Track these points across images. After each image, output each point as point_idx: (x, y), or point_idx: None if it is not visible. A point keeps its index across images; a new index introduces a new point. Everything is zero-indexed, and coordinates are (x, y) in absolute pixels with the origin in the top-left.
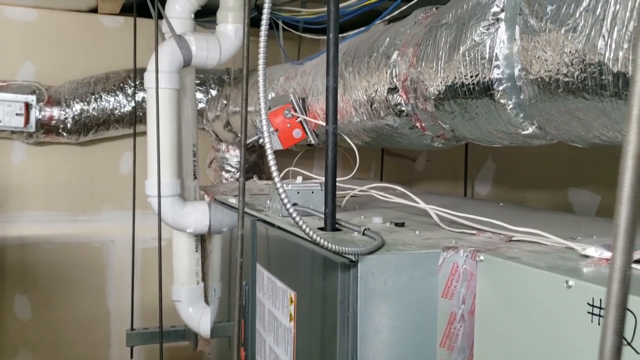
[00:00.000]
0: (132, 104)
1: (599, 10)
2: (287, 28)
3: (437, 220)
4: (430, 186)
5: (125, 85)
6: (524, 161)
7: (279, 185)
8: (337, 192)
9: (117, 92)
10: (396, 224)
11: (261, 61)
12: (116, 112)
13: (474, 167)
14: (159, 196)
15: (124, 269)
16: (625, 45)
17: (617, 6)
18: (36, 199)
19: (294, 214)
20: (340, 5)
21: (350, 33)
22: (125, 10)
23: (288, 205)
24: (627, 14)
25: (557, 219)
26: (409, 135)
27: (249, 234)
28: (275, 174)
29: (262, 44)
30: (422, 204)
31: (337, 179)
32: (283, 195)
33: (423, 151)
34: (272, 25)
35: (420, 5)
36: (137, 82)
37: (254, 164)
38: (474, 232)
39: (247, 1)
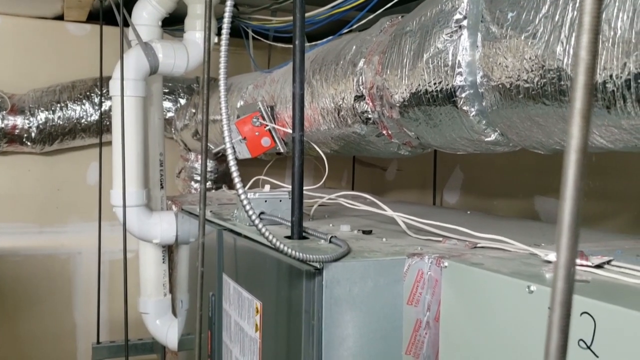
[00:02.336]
0: (99, 112)
1: (557, 16)
2: (257, 37)
3: (404, 228)
4: (401, 195)
5: (92, 94)
6: (492, 170)
7: (241, 192)
8: (307, 201)
9: (84, 101)
10: (364, 232)
11: (222, 69)
12: (82, 121)
13: (443, 176)
14: (124, 206)
15: (91, 281)
16: None
17: (575, 12)
18: (0, 210)
19: (257, 222)
20: (309, 14)
21: (319, 42)
22: (92, 18)
23: (250, 212)
24: None
25: (522, 226)
26: (376, 143)
27: (215, 243)
28: (237, 180)
29: (223, 52)
30: (389, 212)
31: (307, 188)
32: (245, 202)
33: (394, 160)
34: (243, 34)
35: (386, 15)
36: (104, 91)
37: (224, 173)
38: (440, 239)
39: (208, 7)
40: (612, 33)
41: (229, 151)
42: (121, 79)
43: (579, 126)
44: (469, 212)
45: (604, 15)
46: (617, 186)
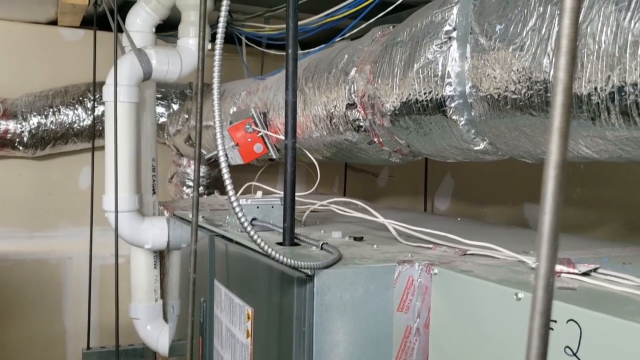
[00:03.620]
0: (92, 117)
1: (544, 30)
2: (250, 44)
3: (395, 235)
4: (392, 201)
5: (85, 99)
6: (482, 177)
7: (233, 199)
8: (299, 207)
9: (76, 106)
10: (355, 239)
11: (216, 76)
12: (75, 126)
13: (434, 183)
14: (116, 211)
15: (81, 287)
16: None
17: None
18: None
19: (248, 228)
20: (302, 22)
21: (312, 50)
22: (85, 23)
23: (242, 219)
24: None
25: (512, 234)
26: (368, 150)
27: (207, 249)
28: (229, 187)
29: (216, 59)
30: (380, 219)
31: (298, 194)
32: (238, 209)
33: (385, 167)
34: (236, 41)
35: (378, 24)
36: (97, 96)
37: (216, 179)
38: (431, 246)
39: (202, 15)
40: (596, 47)
41: (222, 158)
42: (114, 84)
43: (557, 144)
44: (459, 219)
45: (588, 29)
46: (605, 194)
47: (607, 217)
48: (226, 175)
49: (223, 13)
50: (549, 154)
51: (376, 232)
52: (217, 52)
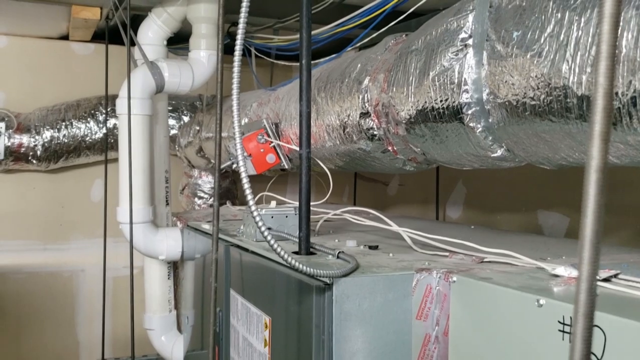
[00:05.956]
0: (104, 130)
1: (562, 36)
2: (259, 55)
3: (410, 243)
4: (403, 210)
5: (97, 112)
6: (494, 184)
7: (253, 209)
8: (312, 216)
9: (88, 119)
10: (370, 247)
11: (235, 87)
12: (87, 139)
13: (445, 190)
14: (131, 223)
15: (94, 299)
16: (588, 69)
17: (580, 32)
18: (4, 228)
19: (269, 237)
20: (313, 32)
21: (323, 60)
22: (96, 37)
23: (263, 229)
24: (589, 39)
25: (527, 241)
26: (382, 159)
27: (223, 259)
28: (249, 197)
29: (235, 70)
30: (395, 227)
31: (312, 204)
32: (258, 219)
33: (395, 175)
34: (245, 52)
35: (389, 33)
36: (109, 109)
37: (227, 189)
38: (447, 254)
39: (220, 28)
40: (617, 51)
41: (242, 168)
42: (128, 98)
43: (599, 147)
44: (472, 227)
45: None
46: (620, 200)
47: (623, 222)
48: (247, 186)
49: (241, 29)
50: (590, 158)
51: (390, 240)
52: (236, 62)
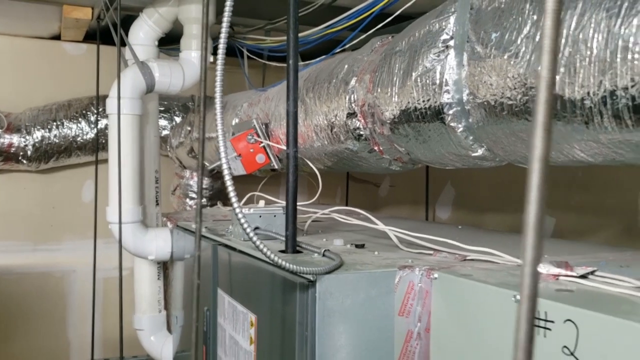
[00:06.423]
0: (95, 131)
1: (537, 37)
2: (252, 56)
3: (396, 242)
4: (394, 211)
5: (88, 112)
6: (483, 185)
7: (236, 206)
8: (301, 217)
9: (80, 119)
10: (356, 246)
11: (218, 88)
12: (78, 139)
13: (435, 192)
14: (120, 223)
15: (85, 299)
16: (562, 70)
17: None
18: None
19: (251, 234)
20: (302, 34)
21: (313, 61)
22: (88, 38)
23: (245, 226)
24: (562, 40)
25: (512, 240)
26: (368, 159)
27: (210, 259)
28: (232, 194)
29: (219, 70)
30: (381, 226)
31: (300, 203)
32: (240, 216)
33: (386, 177)
34: (237, 54)
35: (378, 35)
36: (100, 109)
37: (219, 190)
38: (431, 252)
39: (204, 28)
40: (588, 52)
41: (225, 167)
42: (118, 97)
43: (541, 137)
44: (460, 227)
45: (581, 36)
46: (603, 200)
47: (605, 222)
48: (229, 184)
49: (224, 27)
50: (533, 148)
51: (378, 240)
52: (220, 62)
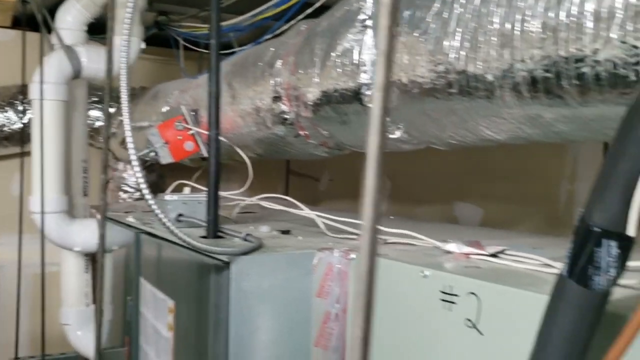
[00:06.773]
0: (24, 120)
1: (444, 13)
2: (189, 46)
3: (322, 228)
4: (334, 205)
5: (16, 101)
6: (416, 178)
7: (146, 192)
8: (229, 204)
9: (7, 108)
10: (282, 232)
11: (124, 68)
12: (5, 129)
13: None
14: (42, 212)
15: (13, 296)
16: (467, 44)
17: (462, 9)
18: None
19: (161, 217)
20: (232, 21)
21: (244, 48)
22: (18, 24)
23: (157, 212)
24: (469, 16)
25: (437, 228)
26: (295, 144)
27: (133, 247)
28: (141, 180)
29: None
30: (306, 211)
31: (231, 192)
32: (151, 202)
33: (326, 170)
34: (172, 44)
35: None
36: (27, 99)
37: (154, 183)
38: (355, 237)
39: (112, 17)
40: (489, 27)
41: (132, 154)
42: (40, 82)
43: (378, 100)
44: (391, 217)
45: (484, 10)
46: (529, 188)
47: (529, 212)
48: (137, 169)
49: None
50: (372, 116)
51: (306, 227)
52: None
